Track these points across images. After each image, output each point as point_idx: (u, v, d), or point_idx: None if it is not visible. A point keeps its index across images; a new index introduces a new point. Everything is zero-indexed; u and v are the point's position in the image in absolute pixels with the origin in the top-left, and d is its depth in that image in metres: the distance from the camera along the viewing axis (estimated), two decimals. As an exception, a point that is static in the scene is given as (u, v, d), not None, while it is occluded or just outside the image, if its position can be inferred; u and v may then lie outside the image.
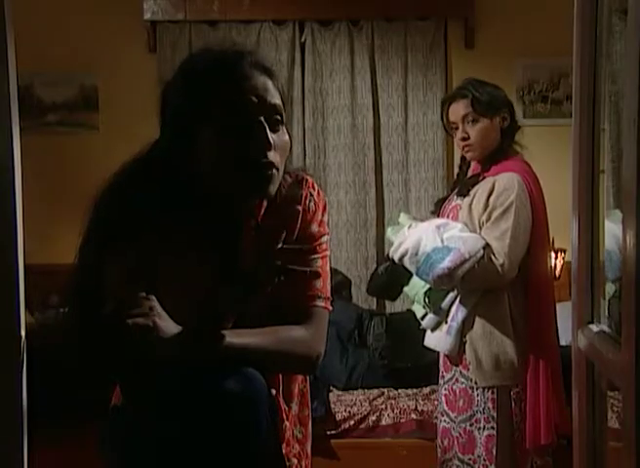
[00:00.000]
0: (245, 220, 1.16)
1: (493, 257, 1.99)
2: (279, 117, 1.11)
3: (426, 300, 2.11)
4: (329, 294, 1.20)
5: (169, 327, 1.02)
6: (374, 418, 2.82)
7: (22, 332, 1.29)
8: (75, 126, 3.58)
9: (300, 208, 1.18)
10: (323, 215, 1.22)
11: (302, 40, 3.61)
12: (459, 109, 2.10)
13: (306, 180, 1.21)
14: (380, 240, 3.62)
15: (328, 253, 1.22)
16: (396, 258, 2.10)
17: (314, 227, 1.19)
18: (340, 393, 2.97)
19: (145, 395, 1.05)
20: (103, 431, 1.13)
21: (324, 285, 1.19)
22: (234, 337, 1.07)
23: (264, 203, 1.16)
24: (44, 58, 3.44)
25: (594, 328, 1.12)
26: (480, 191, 2.07)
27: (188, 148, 1.09)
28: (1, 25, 1.16)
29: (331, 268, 1.24)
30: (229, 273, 1.11)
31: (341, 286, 3.35)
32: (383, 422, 2.82)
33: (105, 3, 3.54)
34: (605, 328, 1.11)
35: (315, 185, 1.23)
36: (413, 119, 3.61)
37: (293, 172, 1.20)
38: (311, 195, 1.21)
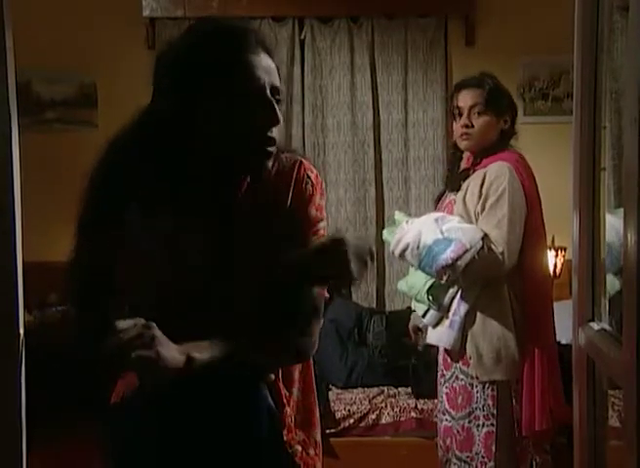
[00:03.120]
0: (234, 199, 1.15)
1: (492, 246, 1.99)
2: (279, 96, 1.12)
3: (430, 298, 2.11)
4: None
5: (172, 354, 1.00)
6: (373, 417, 2.82)
7: (21, 331, 1.28)
8: (74, 123, 3.57)
9: (290, 188, 1.16)
10: (321, 199, 1.21)
11: (302, 37, 3.60)
12: (470, 97, 2.11)
13: (301, 162, 1.19)
14: (380, 238, 3.60)
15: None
16: (397, 253, 2.11)
17: (312, 211, 1.18)
18: (340, 391, 2.97)
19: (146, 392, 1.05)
20: (104, 428, 1.13)
21: None
22: (227, 347, 1.05)
23: (247, 180, 1.15)
24: (43, 55, 3.43)
25: (595, 326, 1.12)
26: (472, 184, 2.08)
27: (191, 117, 1.08)
28: (0, 23, 1.16)
29: None
30: (220, 261, 1.11)
31: (341, 283, 3.34)
32: (383, 421, 2.82)
33: (104, 0, 3.53)
34: (606, 326, 1.11)
35: (312, 168, 1.22)
36: (413, 116, 3.60)
37: (288, 152, 1.20)
38: (308, 177, 1.19)
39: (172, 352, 1.00)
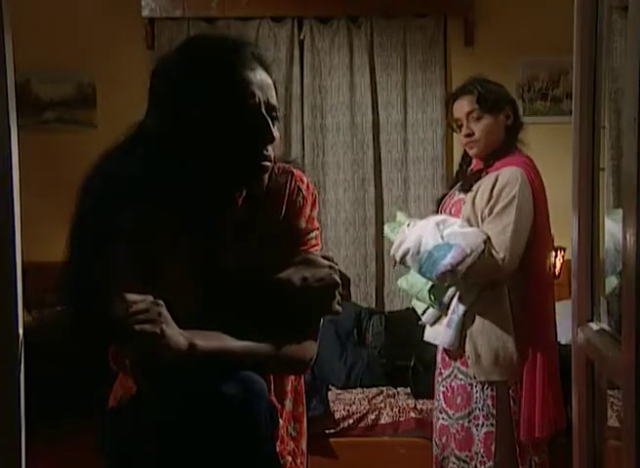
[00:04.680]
0: (227, 212, 1.15)
1: (493, 251, 1.99)
2: (275, 114, 1.12)
3: (432, 297, 2.11)
4: None
5: (175, 335, 1.00)
6: (373, 417, 2.81)
7: (20, 331, 1.29)
8: (73, 123, 3.57)
9: (283, 200, 1.17)
10: (312, 211, 1.20)
11: (301, 37, 3.60)
12: (463, 106, 2.12)
13: (292, 173, 1.19)
14: (380, 238, 3.61)
15: (318, 248, 1.21)
16: (398, 258, 2.11)
17: (302, 223, 1.18)
18: (339, 392, 2.96)
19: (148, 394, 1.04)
20: (102, 432, 1.12)
21: None
22: (234, 341, 1.05)
23: (243, 194, 1.15)
24: (41, 56, 3.42)
25: (594, 326, 1.12)
26: (483, 186, 2.08)
27: (185, 133, 1.08)
28: (-2, 22, 1.16)
29: None
30: (210, 272, 1.10)
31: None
32: (382, 421, 2.81)
33: (103, 0, 3.52)
34: (605, 326, 1.11)
35: (304, 178, 1.21)
36: (412, 117, 3.60)
37: (280, 164, 1.19)
38: (299, 189, 1.19)
39: (176, 334, 1.00)
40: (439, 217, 2.12)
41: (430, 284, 2.10)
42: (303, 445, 1.26)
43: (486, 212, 2.05)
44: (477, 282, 2.05)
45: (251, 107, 1.08)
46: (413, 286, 2.15)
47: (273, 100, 1.11)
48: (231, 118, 1.07)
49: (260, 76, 1.10)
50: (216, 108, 1.07)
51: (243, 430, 1.02)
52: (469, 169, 2.19)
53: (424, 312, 2.17)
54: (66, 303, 1.14)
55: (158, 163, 1.09)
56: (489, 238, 2.01)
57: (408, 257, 2.07)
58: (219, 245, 1.13)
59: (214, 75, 1.07)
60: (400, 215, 2.22)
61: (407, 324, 2.95)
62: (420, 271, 2.07)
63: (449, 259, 1.98)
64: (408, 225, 2.13)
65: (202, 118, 1.07)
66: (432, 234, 2.03)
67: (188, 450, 1.01)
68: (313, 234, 1.20)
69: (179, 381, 1.00)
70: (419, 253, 2.04)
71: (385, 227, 2.24)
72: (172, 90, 1.09)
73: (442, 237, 2.03)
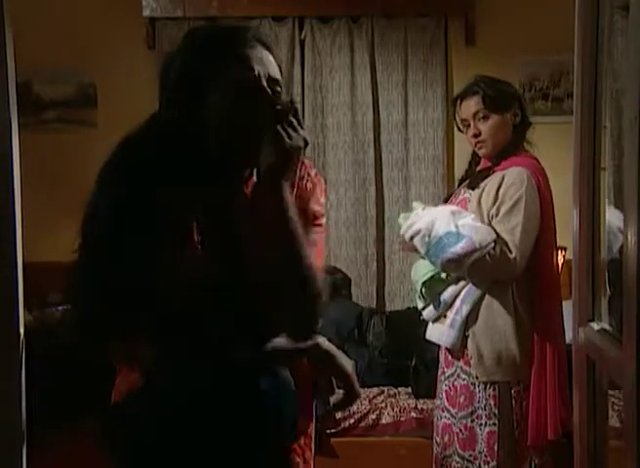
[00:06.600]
0: (237, 198, 1.16)
1: (506, 250, 1.99)
2: (279, 87, 1.16)
3: (422, 291, 2.11)
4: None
5: None
6: (374, 417, 2.82)
7: (21, 331, 1.29)
8: (74, 123, 3.57)
9: (294, 187, 1.20)
10: (321, 196, 1.25)
11: (302, 37, 3.60)
12: (470, 106, 2.12)
13: (302, 163, 1.23)
14: (381, 238, 3.61)
15: (324, 233, 1.26)
16: (407, 237, 2.10)
17: (314, 206, 1.22)
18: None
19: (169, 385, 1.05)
20: (107, 429, 1.13)
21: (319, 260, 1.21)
22: None
23: (253, 179, 1.17)
24: (42, 55, 3.42)
25: (595, 326, 1.12)
26: (489, 185, 2.08)
27: (198, 116, 1.10)
28: (0, 23, 1.16)
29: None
30: (224, 256, 1.11)
31: (341, 284, 3.34)
32: (383, 421, 2.81)
33: (104, 0, 3.53)
34: (606, 326, 1.11)
35: (312, 167, 1.26)
36: (413, 116, 3.60)
37: None
38: (309, 175, 1.24)
39: None
40: (455, 208, 2.12)
41: (428, 276, 2.10)
42: (312, 441, 1.30)
43: (493, 212, 2.05)
44: (485, 279, 2.05)
45: (251, 80, 1.11)
46: (416, 273, 2.16)
47: (276, 74, 1.15)
48: (234, 92, 1.10)
49: (260, 53, 1.13)
50: (219, 85, 1.10)
51: (253, 423, 1.02)
52: (477, 168, 2.19)
53: (425, 308, 2.17)
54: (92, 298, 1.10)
55: (177, 150, 1.11)
56: (499, 237, 2.01)
57: (417, 238, 2.06)
58: (234, 229, 1.14)
59: (215, 54, 1.11)
60: (416, 204, 2.21)
61: (408, 323, 2.95)
62: (426, 253, 2.07)
63: (458, 249, 1.98)
64: (422, 209, 2.13)
65: (209, 96, 1.10)
66: (446, 221, 2.03)
67: (196, 441, 1.01)
68: (324, 219, 1.25)
69: (191, 373, 1.01)
70: (429, 235, 2.04)
71: (401, 217, 2.22)
72: (179, 75, 1.13)
73: (456, 226, 2.02)
